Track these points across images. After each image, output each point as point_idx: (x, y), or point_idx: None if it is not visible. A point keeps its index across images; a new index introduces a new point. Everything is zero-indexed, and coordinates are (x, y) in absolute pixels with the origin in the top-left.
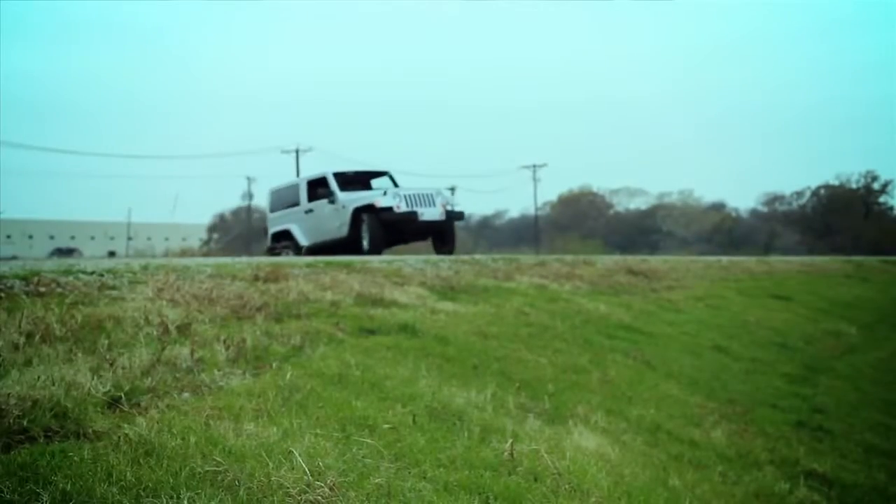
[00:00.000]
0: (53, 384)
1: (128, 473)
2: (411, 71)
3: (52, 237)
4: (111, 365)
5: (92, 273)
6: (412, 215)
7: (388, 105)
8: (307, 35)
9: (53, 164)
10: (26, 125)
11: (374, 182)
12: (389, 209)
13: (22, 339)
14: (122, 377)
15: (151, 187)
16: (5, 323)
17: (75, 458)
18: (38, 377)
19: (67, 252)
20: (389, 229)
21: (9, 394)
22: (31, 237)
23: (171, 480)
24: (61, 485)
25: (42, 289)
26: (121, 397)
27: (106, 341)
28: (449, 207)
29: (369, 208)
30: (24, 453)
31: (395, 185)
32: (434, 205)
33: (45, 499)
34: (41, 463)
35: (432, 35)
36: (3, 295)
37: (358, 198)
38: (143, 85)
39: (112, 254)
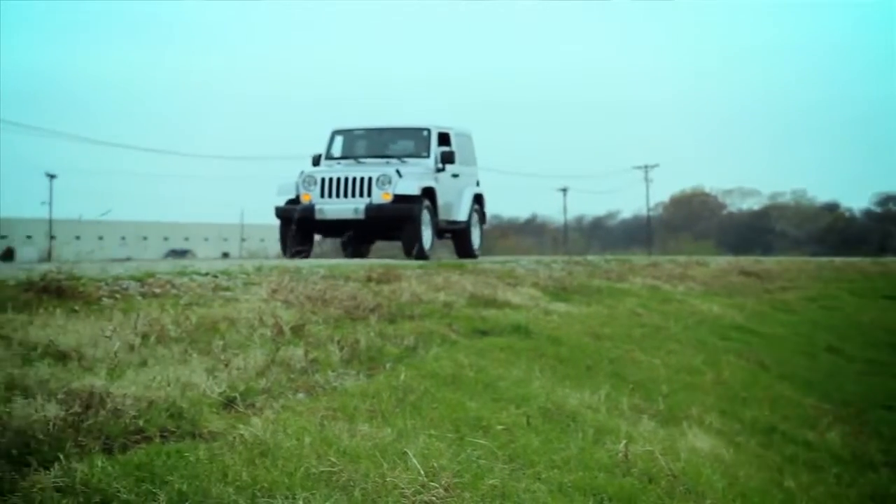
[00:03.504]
0: (169, 385)
1: (243, 473)
2: (524, 71)
3: (166, 238)
4: (226, 366)
5: (206, 274)
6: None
7: (498, 105)
8: (425, 36)
9: (167, 167)
10: (138, 127)
11: (394, 146)
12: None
13: (137, 340)
14: (236, 378)
15: (264, 189)
16: (121, 324)
17: (191, 459)
18: (154, 378)
19: (181, 253)
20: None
21: (125, 394)
22: (145, 238)
23: (287, 481)
24: (177, 485)
25: (157, 290)
26: (236, 398)
27: (221, 342)
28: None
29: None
30: (140, 453)
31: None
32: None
33: (161, 498)
34: (157, 463)
35: (543, 34)
36: (118, 296)
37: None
38: (250, 87)
39: (226, 255)
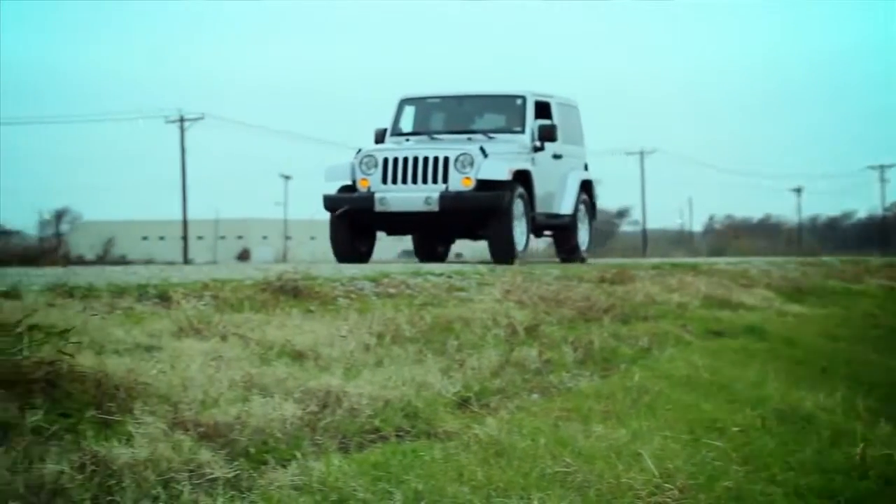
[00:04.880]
0: (404, 384)
1: (478, 473)
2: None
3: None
4: (461, 366)
5: (440, 275)
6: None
7: (736, 101)
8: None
9: None
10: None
11: (480, 119)
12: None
13: (373, 340)
14: (471, 378)
15: None
16: (357, 324)
17: (426, 458)
18: (390, 377)
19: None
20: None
21: (360, 393)
22: (380, 239)
23: (522, 481)
24: (413, 484)
25: (392, 290)
26: (470, 398)
27: (455, 342)
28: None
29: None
30: (376, 453)
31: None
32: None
33: (397, 497)
34: (393, 462)
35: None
36: (353, 296)
37: None
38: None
39: (458, 256)
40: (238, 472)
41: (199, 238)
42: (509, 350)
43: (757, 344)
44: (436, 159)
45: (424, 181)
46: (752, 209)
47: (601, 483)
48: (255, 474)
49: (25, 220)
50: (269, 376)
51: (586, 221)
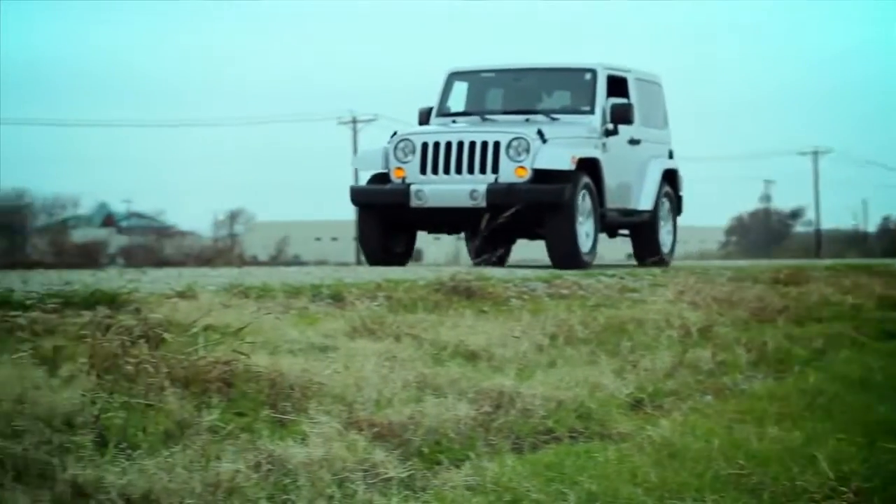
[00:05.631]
0: (577, 385)
1: (652, 475)
2: None
3: (701, 241)
4: (634, 367)
5: (612, 276)
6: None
7: None
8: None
9: None
10: None
11: (543, 97)
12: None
13: (546, 341)
14: (644, 379)
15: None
16: (529, 325)
17: (600, 459)
18: (562, 378)
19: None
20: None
21: (534, 394)
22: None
23: (695, 483)
24: (586, 485)
25: (564, 291)
26: (643, 399)
27: (628, 343)
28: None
29: None
30: (550, 453)
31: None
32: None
33: (570, 498)
34: (567, 463)
35: None
36: (526, 297)
37: None
38: None
39: (630, 256)
40: (412, 471)
41: None
42: (682, 351)
43: None
44: (484, 145)
45: (471, 171)
46: None
47: (775, 485)
48: (428, 474)
49: (200, 221)
50: (442, 377)
51: (670, 218)
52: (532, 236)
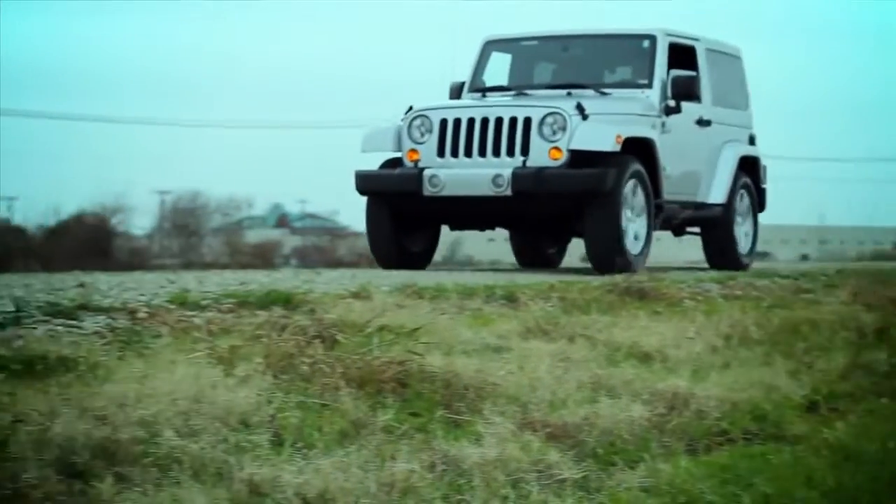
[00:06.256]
0: (751, 387)
1: (828, 478)
2: None
3: (822, 242)
4: (809, 368)
5: (787, 277)
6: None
7: None
8: None
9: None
10: None
11: (597, 69)
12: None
13: (720, 342)
14: (819, 381)
15: (847, 192)
16: (703, 325)
17: (774, 462)
18: (737, 380)
19: (761, 255)
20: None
21: (707, 395)
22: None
23: (872, 486)
24: (761, 487)
25: (738, 292)
26: (818, 401)
27: (802, 345)
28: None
29: None
30: (724, 455)
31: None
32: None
33: (745, 501)
34: (741, 465)
35: None
36: (699, 298)
37: None
38: None
39: (804, 257)
40: (586, 472)
41: None
42: (857, 353)
43: None
44: (513, 121)
45: (496, 153)
46: None
47: None
48: (603, 475)
49: None
50: (616, 378)
51: (750, 216)
52: (569, 232)
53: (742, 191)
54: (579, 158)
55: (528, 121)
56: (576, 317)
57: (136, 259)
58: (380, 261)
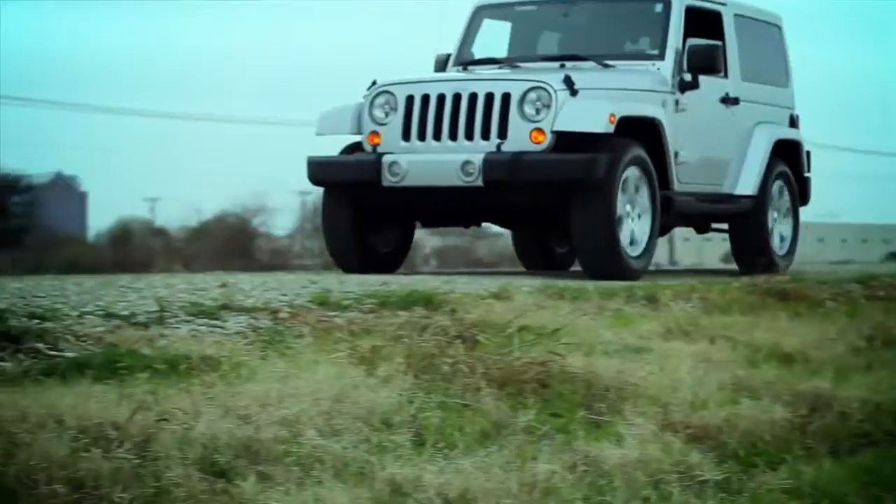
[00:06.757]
0: (894, 388)
1: None
2: None
3: (885, 241)
4: None
5: None
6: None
7: None
8: None
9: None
10: None
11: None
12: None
13: (863, 343)
14: None
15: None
16: (845, 326)
17: None
18: (880, 381)
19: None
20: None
21: (850, 397)
22: (864, 241)
23: None
24: None
25: (880, 293)
26: None
27: None
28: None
29: None
30: (868, 457)
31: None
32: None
33: (888, 503)
34: (885, 468)
35: None
36: (841, 298)
37: None
38: None
39: (892, 255)
40: (727, 474)
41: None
42: None
43: None
44: (489, 98)
45: (469, 136)
46: None
47: None
48: (744, 477)
49: None
50: (757, 379)
51: (789, 211)
52: (555, 230)
53: (778, 181)
54: (567, 142)
55: (506, 97)
56: (717, 317)
57: (277, 259)
58: (337, 262)
